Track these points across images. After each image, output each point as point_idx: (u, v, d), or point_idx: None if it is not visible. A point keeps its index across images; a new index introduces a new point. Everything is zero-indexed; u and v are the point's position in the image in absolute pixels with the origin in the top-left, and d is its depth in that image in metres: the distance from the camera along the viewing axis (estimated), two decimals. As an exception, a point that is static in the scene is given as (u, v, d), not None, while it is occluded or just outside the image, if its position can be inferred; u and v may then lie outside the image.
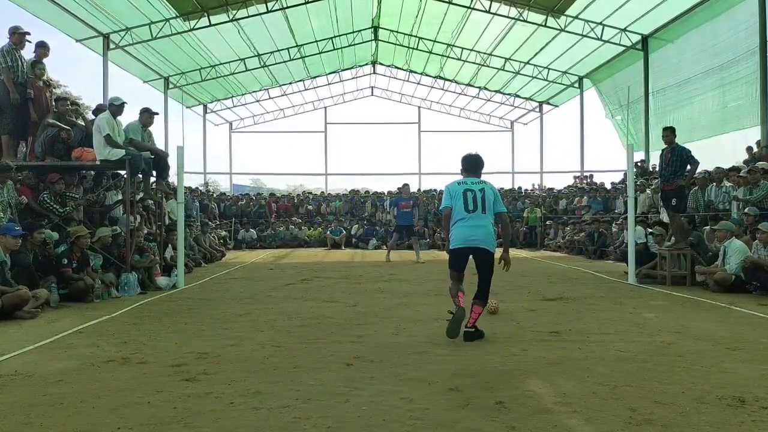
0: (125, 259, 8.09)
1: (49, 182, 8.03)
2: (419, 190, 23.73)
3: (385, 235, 19.31)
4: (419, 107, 29.42)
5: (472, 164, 5.24)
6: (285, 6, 17.87)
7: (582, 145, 24.00)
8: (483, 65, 23.18)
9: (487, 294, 4.97)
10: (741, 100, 13.81)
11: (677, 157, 8.81)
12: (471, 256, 4.99)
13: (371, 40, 23.46)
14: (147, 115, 9.04)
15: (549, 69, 22.50)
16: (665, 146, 9.10)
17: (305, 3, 17.98)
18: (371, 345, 4.63)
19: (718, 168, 11.51)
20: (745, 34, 13.39)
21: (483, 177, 5.27)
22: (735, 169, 11.25)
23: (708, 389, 3.38)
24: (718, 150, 15.03)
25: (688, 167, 8.92)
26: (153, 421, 2.95)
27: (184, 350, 4.47)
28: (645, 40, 18.09)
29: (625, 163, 9.90)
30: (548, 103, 26.76)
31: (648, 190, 14.19)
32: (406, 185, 14.98)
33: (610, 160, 21.62)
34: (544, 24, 18.17)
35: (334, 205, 22.17)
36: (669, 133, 9.02)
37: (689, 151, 8.86)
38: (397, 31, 22.02)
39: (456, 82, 26.34)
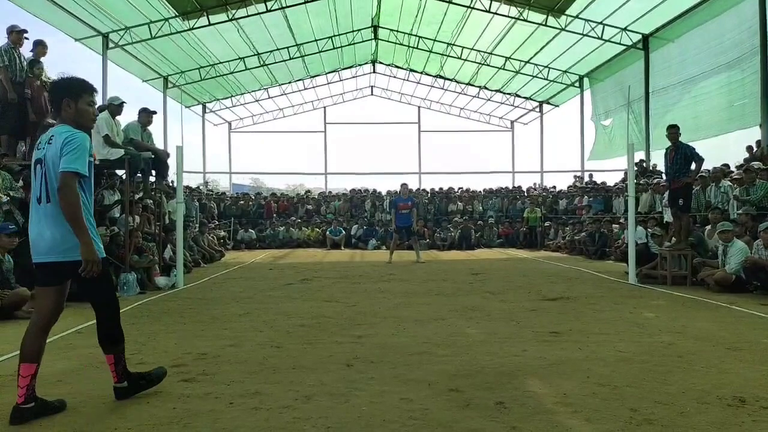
0: (124, 259, 8.08)
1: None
2: (419, 189, 23.72)
3: (384, 235, 19.30)
4: (419, 107, 29.41)
5: (48, 95, 3.42)
6: (284, 5, 17.86)
7: (582, 145, 23.99)
8: (483, 64, 23.17)
9: (112, 332, 3.27)
10: (746, 99, 13.77)
11: (681, 155, 8.76)
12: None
13: (371, 39, 23.44)
14: (146, 114, 9.05)
15: (549, 68, 22.49)
16: (669, 145, 9.04)
17: (304, 2, 17.96)
18: (371, 345, 4.62)
19: (715, 168, 11.49)
20: (749, 32, 13.34)
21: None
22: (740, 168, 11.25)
23: (708, 389, 3.38)
24: (724, 149, 15.04)
25: (693, 165, 8.86)
26: (152, 421, 2.95)
27: (183, 350, 4.47)
28: (646, 39, 18.08)
29: (626, 162, 9.89)
30: (548, 103, 26.75)
31: (650, 190, 14.18)
32: (404, 186, 14.87)
33: (610, 159, 21.65)
34: (544, 23, 18.15)
35: (334, 205, 22.17)
36: (674, 130, 8.93)
37: (693, 149, 8.80)
38: (396, 30, 22.00)
39: (456, 81, 26.33)
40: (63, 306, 3.23)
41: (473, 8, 18.13)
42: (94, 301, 3.22)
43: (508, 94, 26.77)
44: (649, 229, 10.48)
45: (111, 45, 17.51)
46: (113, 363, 3.26)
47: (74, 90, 3.19)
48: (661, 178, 13.63)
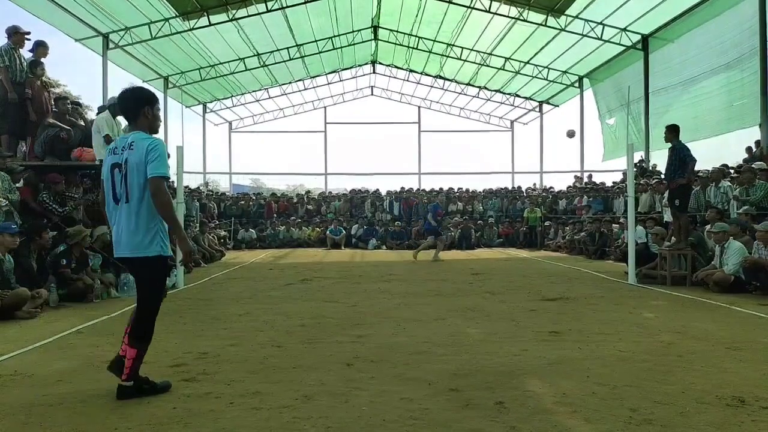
0: (125, 258, 8.06)
1: (51, 182, 8.01)
2: (419, 189, 23.77)
3: (384, 235, 19.30)
4: (419, 107, 29.42)
5: (123, 106, 3.57)
6: (284, 5, 17.87)
7: (582, 145, 24.01)
8: (483, 65, 23.18)
9: (145, 328, 3.40)
10: (746, 99, 13.78)
11: (676, 156, 8.79)
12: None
13: (371, 40, 23.45)
14: None
15: (549, 69, 22.50)
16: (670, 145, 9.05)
17: (305, 2, 17.97)
18: (371, 345, 4.63)
19: (714, 168, 11.49)
20: (749, 32, 13.36)
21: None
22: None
23: (708, 389, 3.39)
24: (724, 149, 15.05)
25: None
26: (153, 421, 2.95)
27: (184, 350, 4.47)
28: (645, 39, 18.09)
29: (624, 162, 9.89)
30: (548, 103, 26.76)
31: (649, 190, 14.19)
32: (441, 194, 15.46)
33: (609, 160, 21.71)
34: (544, 23, 18.16)
35: (334, 205, 22.18)
36: (668, 131, 8.91)
37: (686, 150, 8.78)
38: (396, 31, 22.02)
39: (456, 81, 26.34)
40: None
41: (473, 8, 18.14)
42: (142, 296, 3.47)
43: (508, 94, 26.78)
44: (648, 229, 10.48)
45: (111, 45, 17.52)
46: (133, 358, 3.34)
47: (151, 99, 3.52)
48: (661, 178, 13.66)
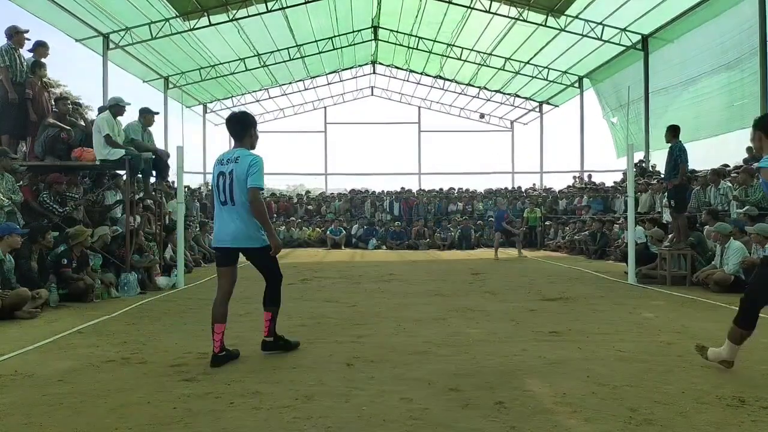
0: (125, 259, 8.09)
1: (53, 182, 8.01)
2: (419, 190, 23.78)
3: (385, 234, 19.31)
4: (419, 107, 29.40)
5: (233, 127, 4.22)
6: (285, 6, 17.87)
7: (582, 145, 24.00)
8: (483, 65, 23.18)
9: (277, 295, 4.35)
10: (746, 99, 13.78)
11: (671, 157, 8.81)
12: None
13: (371, 40, 23.45)
14: (150, 116, 9.05)
15: (549, 69, 22.48)
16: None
17: (305, 3, 17.97)
18: (371, 345, 4.63)
19: (713, 169, 11.48)
20: (749, 32, 13.36)
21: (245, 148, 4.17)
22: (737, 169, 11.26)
23: (708, 389, 3.39)
24: (724, 149, 15.04)
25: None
26: (153, 421, 2.95)
27: (184, 350, 4.48)
28: (645, 39, 18.08)
29: (625, 162, 9.90)
30: (548, 103, 26.74)
31: (649, 190, 14.19)
32: (499, 199, 17.33)
33: (610, 160, 21.69)
34: (544, 24, 18.15)
35: (334, 205, 22.18)
36: (668, 132, 8.92)
37: (680, 150, 8.77)
38: (396, 31, 22.01)
39: (456, 81, 26.33)
40: (236, 278, 4.33)
41: (473, 9, 18.14)
42: (267, 274, 4.30)
43: (507, 94, 26.78)
44: (645, 231, 10.48)
45: (111, 45, 17.52)
46: (269, 320, 4.28)
47: (256, 123, 4.32)
48: (660, 178, 13.68)
